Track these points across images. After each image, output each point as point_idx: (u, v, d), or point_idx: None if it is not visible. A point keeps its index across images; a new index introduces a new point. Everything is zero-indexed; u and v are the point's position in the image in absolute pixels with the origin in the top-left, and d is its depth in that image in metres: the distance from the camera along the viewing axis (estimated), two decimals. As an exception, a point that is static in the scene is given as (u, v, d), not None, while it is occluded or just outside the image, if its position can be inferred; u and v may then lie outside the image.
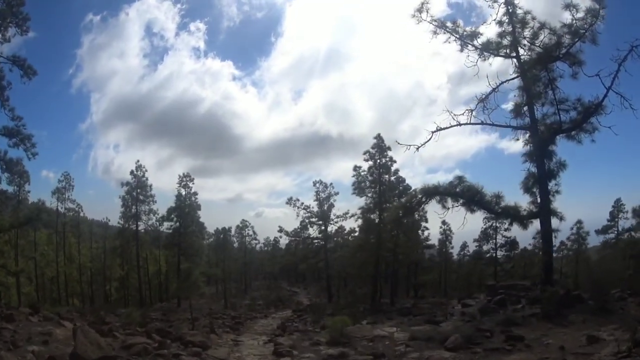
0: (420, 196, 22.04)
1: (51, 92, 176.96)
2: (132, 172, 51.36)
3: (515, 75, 20.94)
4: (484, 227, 53.53)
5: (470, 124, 21.33)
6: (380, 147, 39.63)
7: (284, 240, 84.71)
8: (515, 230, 54.80)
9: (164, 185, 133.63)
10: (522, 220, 20.07)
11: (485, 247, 54.78)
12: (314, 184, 50.77)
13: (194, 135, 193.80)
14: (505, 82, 21.04)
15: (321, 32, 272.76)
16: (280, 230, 52.63)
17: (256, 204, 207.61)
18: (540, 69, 19.65)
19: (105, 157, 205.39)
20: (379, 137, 39.92)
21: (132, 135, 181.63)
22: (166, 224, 51.04)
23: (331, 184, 51.04)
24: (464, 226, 21.93)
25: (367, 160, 39.32)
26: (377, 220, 37.69)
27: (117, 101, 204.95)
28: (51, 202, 50.56)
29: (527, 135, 20.66)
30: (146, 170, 51.84)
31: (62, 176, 51.77)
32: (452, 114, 20.57)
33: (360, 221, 39.94)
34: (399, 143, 22.04)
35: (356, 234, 50.18)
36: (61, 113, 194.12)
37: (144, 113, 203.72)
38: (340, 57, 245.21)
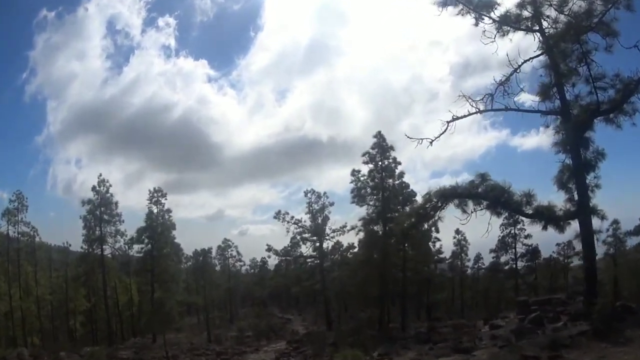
0: (435, 200, 20.79)
1: (1, 100, 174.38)
2: (94, 188, 49.84)
3: (540, 52, 19.84)
4: (502, 235, 53.18)
5: (491, 110, 20.16)
6: (381, 147, 38.41)
7: (272, 261, 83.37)
8: (537, 238, 54.68)
9: (133, 204, 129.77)
10: (559, 221, 18.80)
11: (503, 258, 53.95)
12: (306, 194, 49.30)
13: (166, 145, 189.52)
14: (528, 60, 19.91)
15: (305, 23, 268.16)
16: (269, 249, 50.93)
17: (240, 221, 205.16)
18: (570, 40, 18.50)
19: (65, 173, 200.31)
20: (379, 136, 38.72)
21: (95, 148, 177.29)
22: (136, 247, 49.04)
23: (325, 193, 49.54)
24: (489, 233, 20.77)
25: (367, 163, 38.13)
26: (380, 233, 36.37)
27: (78, 109, 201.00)
28: (0, 226, 48.42)
29: (558, 121, 19.51)
30: (110, 186, 50.48)
31: (13, 195, 49.86)
32: (470, 100, 19.34)
33: (361, 234, 38.46)
34: (408, 137, 20.62)
35: (356, 249, 49.11)
36: (13, 124, 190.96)
37: (109, 122, 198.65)
38: (329, 51, 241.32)
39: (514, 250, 53.21)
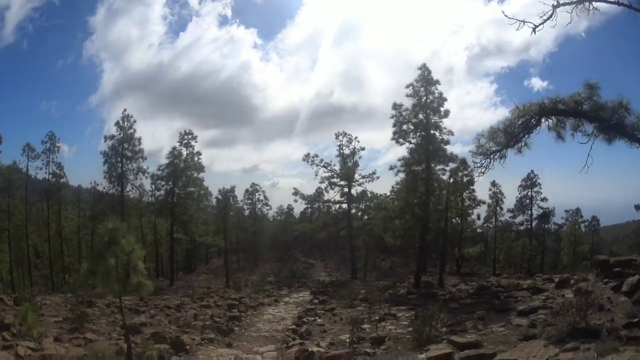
0: (528, 117, 13.40)
1: (64, 61, 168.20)
2: (117, 124, 42.32)
3: None
4: (520, 195, 49.40)
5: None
6: (426, 81, 29.88)
7: (298, 209, 76.39)
8: (554, 201, 50.00)
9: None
10: None
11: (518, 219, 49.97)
12: (337, 136, 40.95)
13: (209, 106, 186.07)
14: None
15: (340, 2, 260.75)
16: (296, 192, 42.90)
17: (272, 174, 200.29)
18: None
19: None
20: (424, 68, 30.16)
21: (143, 107, 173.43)
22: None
23: (356, 137, 41.07)
24: (588, 168, 13.61)
25: (410, 97, 29.52)
26: (424, 175, 28.11)
27: (131, 71, 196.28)
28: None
29: None
30: (135, 122, 42.73)
31: (46, 137, 42.77)
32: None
33: (400, 176, 30.21)
34: (507, 17, 12.40)
35: (387, 196, 41.04)
36: (72, 84, 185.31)
37: (158, 84, 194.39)
38: (358, 28, 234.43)
39: (530, 211, 49.39)
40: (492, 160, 16.20)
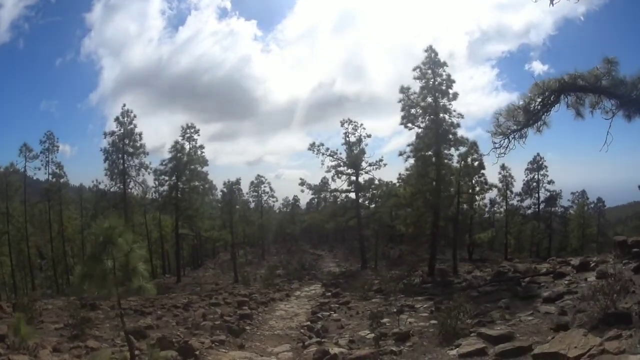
0: (548, 93, 12.36)
1: (63, 59, 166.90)
2: (117, 119, 41.14)
3: None
4: (526, 178, 49.23)
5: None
6: (434, 62, 28.79)
7: (304, 200, 75.44)
8: (560, 184, 49.47)
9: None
10: None
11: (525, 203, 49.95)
12: (342, 123, 39.71)
13: (211, 100, 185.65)
14: None
15: None
16: (302, 183, 41.79)
17: (276, 166, 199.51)
18: None
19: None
20: (430, 49, 29.02)
21: (143, 103, 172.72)
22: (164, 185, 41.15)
23: (362, 124, 39.91)
24: (608, 147, 12.83)
25: (417, 79, 28.40)
26: (434, 160, 27.08)
27: (131, 67, 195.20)
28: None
29: None
30: (135, 117, 41.49)
31: (44, 136, 41.81)
32: None
33: (410, 162, 29.16)
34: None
35: (393, 183, 40.12)
36: (71, 82, 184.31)
37: (158, 79, 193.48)
38: (358, 18, 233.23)
39: (537, 195, 49.47)
40: (511, 141, 15.22)
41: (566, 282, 16.70)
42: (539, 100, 13.20)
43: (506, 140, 15.23)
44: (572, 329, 10.55)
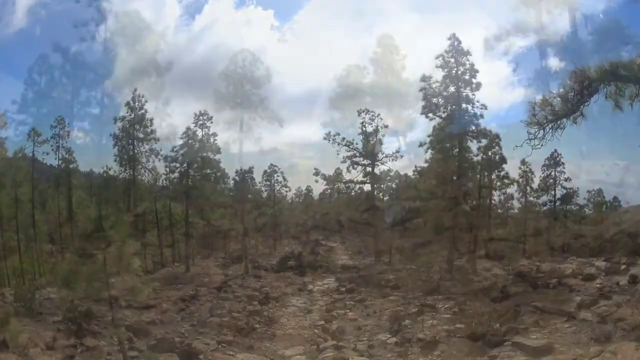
0: (587, 83, 11.70)
1: (79, 46, 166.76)
2: (127, 104, 40.12)
3: None
4: (543, 175, 44.82)
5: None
6: (457, 51, 27.47)
7: (317, 190, 74.19)
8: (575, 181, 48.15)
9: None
10: None
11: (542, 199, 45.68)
12: (359, 113, 38.29)
13: (225, 89, 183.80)
14: None
15: None
16: (317, 173, 40.75)
17: (290, 156, 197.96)
18: None
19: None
20: (453, 37, 27.72)
21: (158, 92, 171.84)
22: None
23: (379, 115, 38.54)
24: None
25: (439, 68, 27.17)
26: (455, 151, 25.88)
27: (147, 55, 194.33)
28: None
29: None
30: (146, 102, 40.45)
31: (55, 121, 40.88)
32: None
33: (430, 153, 27.96)
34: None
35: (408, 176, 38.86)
36: (86, 69, 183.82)
37: (173, 67, 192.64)
38: (375, 11, 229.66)
39: (553, 192, 45.10)
40: (547, 132, 14.02)
41: (597, 285, 15.80)
42: (577, 88, 12.27)
43: (541, 131, 14.02)
44: (619, 341, 9.54)
